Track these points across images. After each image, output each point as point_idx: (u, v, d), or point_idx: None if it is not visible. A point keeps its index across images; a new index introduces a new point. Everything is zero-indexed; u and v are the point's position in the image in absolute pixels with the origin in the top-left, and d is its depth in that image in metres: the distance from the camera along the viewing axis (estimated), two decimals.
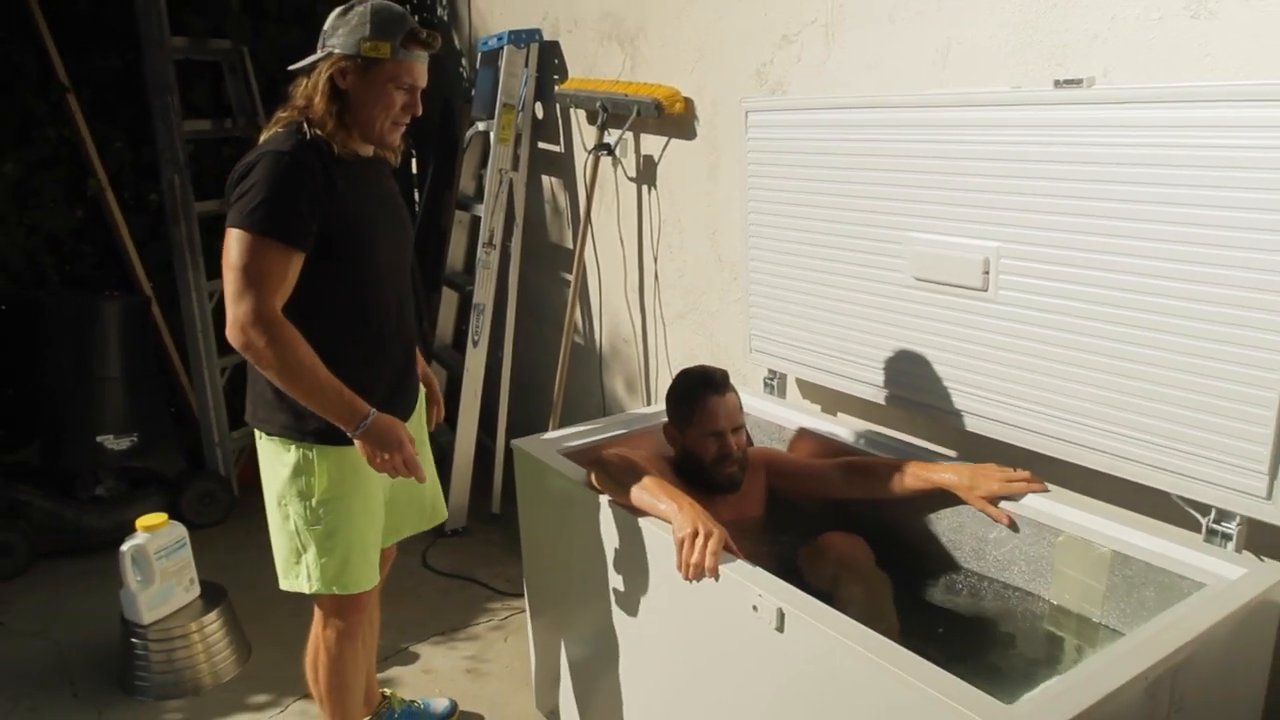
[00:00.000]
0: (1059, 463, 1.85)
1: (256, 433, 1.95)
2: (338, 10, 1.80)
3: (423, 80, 1.85)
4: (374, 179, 1.91)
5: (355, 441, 1.80)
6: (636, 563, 1.84)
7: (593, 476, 1.95)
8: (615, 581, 1.94)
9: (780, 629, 1.48)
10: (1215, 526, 1.62)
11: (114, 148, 3.63)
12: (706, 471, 2.02)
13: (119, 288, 3.65)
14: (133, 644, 2.59)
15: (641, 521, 1.80)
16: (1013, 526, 1.82)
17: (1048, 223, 1.74)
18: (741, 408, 2.09)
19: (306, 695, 2.58)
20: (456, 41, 4.05)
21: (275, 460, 1.92)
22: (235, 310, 1.70)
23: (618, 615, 1.96)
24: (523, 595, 3.02)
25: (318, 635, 2.08)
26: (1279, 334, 1.47)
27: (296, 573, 1.96)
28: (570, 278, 3.57)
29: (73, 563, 3.33)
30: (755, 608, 1.52)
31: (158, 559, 2.57)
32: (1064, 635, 1.76)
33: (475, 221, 3.69)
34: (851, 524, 2.00)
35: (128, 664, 2.61)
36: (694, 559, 1.61)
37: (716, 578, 1.60)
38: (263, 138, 1.83)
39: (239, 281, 1.69)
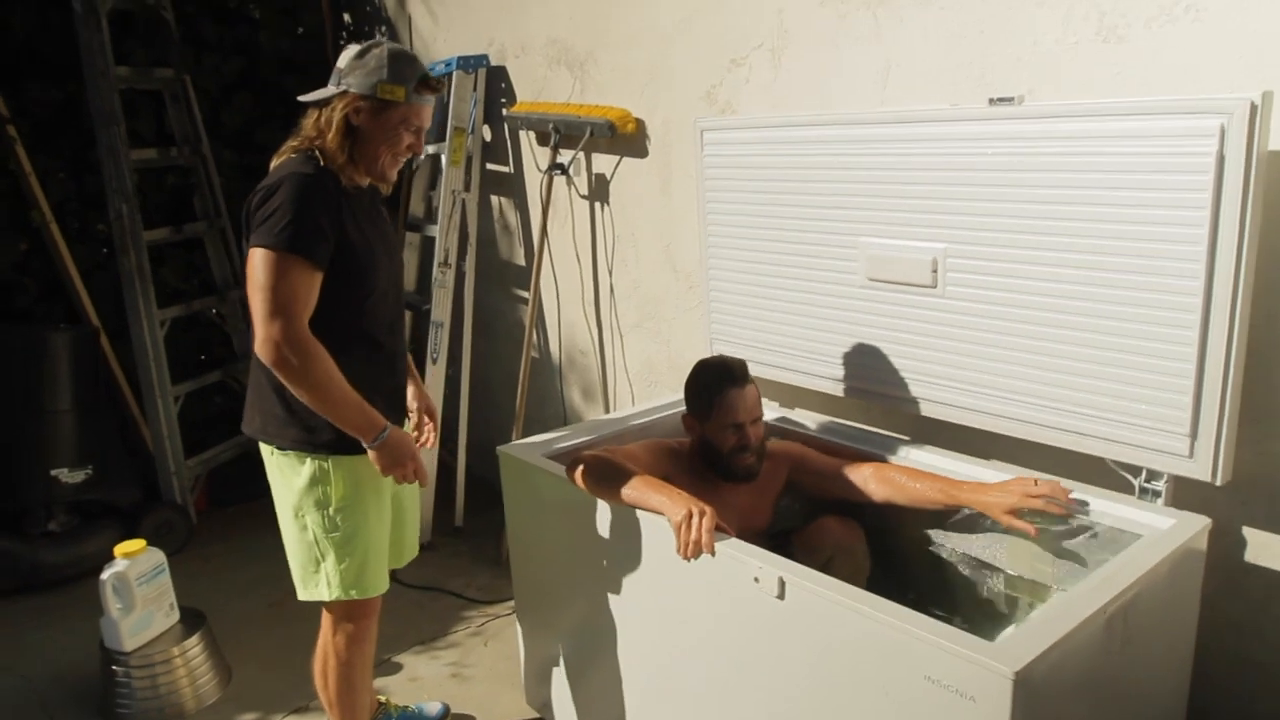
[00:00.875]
0: (1006, 439, 2.06)
1: (266, 448, 2.02)
2: (355, 50, 1.89)
3: (428, 122, 1.96)
4: (370, 207, 2.02)
5: (369, 452, 1.89)
6: (630, 552, 1.98)
7: (577, 478, 2.03)
8: (609, 572, 2.07)
9: (781, 596, 1.64)
10: (1146, 486, 1.85)
11: (56, 179, 3.61)
12: (724, 461, 2.09)
13: (64, 320, 3.62)
14: (114, 671, 2.60)
15: (636, 516, 1.93)
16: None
17: (988, 224, 1.95)
18: (760, 399, 2.13)
19: (296, 710, 2.64)
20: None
21: (290, 473, 1.99)
22: (268, 329, 1.77)
23: (612, 605, 2.09)
24: (496, 601, 3.16)
25: (326, 641, 2.15)
26: (1193, 314, 1.70)
27: (316, 581, 2.04)
28: (523, 294, 3.69)
29: (29, 600, 3.28)
30: (757, 579, 1.67)
31: (138, 585, 2.59)
32: (1021, 596, 1.96)
33: (427, 242, 3.78)
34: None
35: (109, 692, 2.62)
36: (693, 537, 1.75)
37: (713, 553, 1.74)
38: (273, 164, 1.92)
39: (270, 301, 1.77)
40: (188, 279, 3.91)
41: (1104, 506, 1.84)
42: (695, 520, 1.77)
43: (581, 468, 2.02)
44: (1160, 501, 1.83)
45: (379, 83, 1.84)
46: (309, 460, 1.95)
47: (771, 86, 2.57)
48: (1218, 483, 1.74)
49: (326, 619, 2.14)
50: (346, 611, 2.09)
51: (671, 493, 1.85)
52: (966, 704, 1.37)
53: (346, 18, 4.33)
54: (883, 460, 2.19)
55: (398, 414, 2.11)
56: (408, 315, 3.91)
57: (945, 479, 2.01)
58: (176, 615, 2.72)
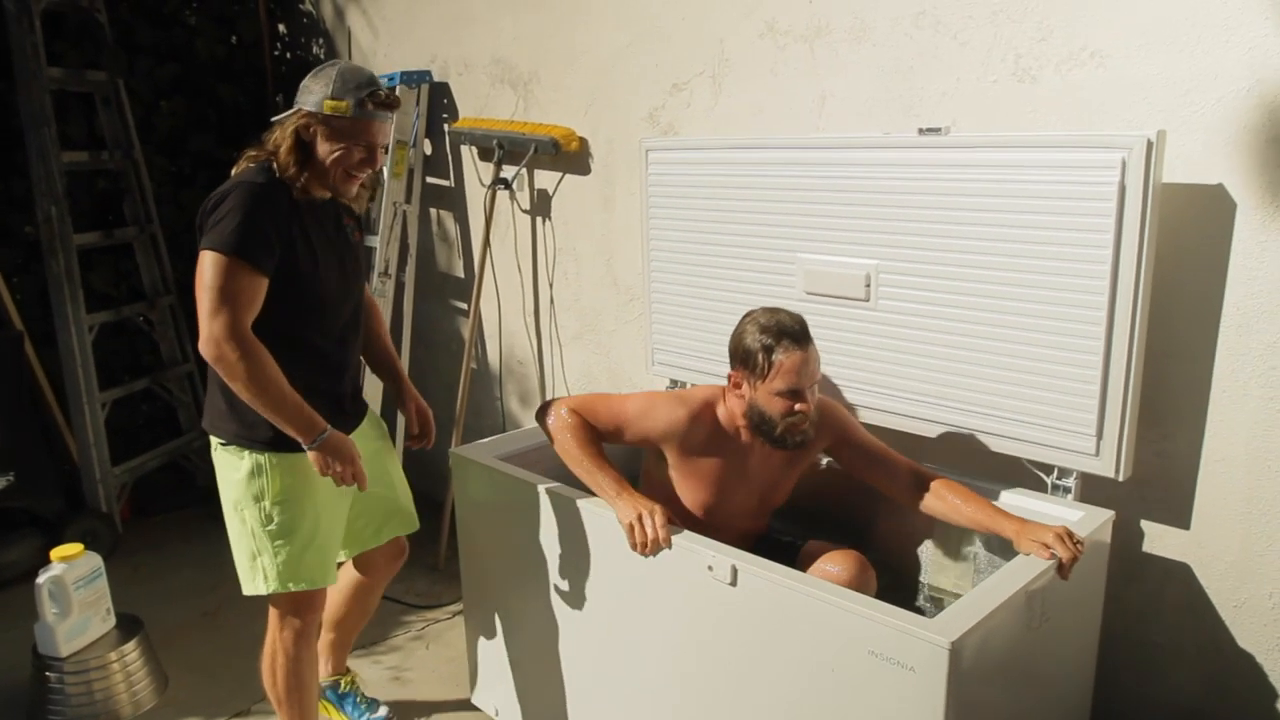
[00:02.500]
0: (933, 441, 2.23)
1: (212, 441, 2.07)
2: (313, 71, 1.97)
3: (382, 138, 2.00)
4: (327, 221, 2.08)
5: (309, 453, 1.96)
6: (582, 548, 2.07)
7: (548, 425, 2.03)
8: (561, 568, 2.16)
9: (734, 583, 1.76)
10: (1058, 483, 2.04)
11: None
12: (777, 429, 1.95)
13: None
14: (47, 678, 2.55)
15: (584, 508, 2.04)
16: (1060, 573, 1.73)
17: (917, 243, 2.12)
18: (820, 362, 1.98)
19: (236, 714, 2.63)
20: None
21: (230, 467, 2.05)
22: (210, 326, 1.84)
23: (564, 600, 2.17)
24: (436, 606, 3.20)
25: (274, 638, 2.18)
26: (1098, 326, 1.89)
27: (254, 574, 2.07)
28: (461, 305, 3.76)
29: None
30: (711, 567, 1.79)
31: (75, 589, 2.55)
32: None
33: (366, 252, 3.80)
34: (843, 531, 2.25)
35: (39, 700, 2.56)
36: (649, 536, 1.86)
37: (670, 547, 1.85)
38: (234, 172, 1.97)
39: (214, 300, 1.84)
40: (116, 285, 3.85)
41: (1021, 502, 2.03)
42: (647, 520, 1.87)
43: (556, 419, 2.01)
44: (1070, 497, 2.01)
45: (325, 98, 1.91)
46: (247, 455, 2.01)
47: (712, 111, 2.71)
48: (1120, 478, 1.93)
49: (273, 615, 2.17)
50: (291, 606, 2.13)
51: (621, 491, 1.93)
52: (906, 674, 1.52)
53: (282, 28, 4.34)
54: (922, 468, 2.07)
55: (345, 420, 2.15)
56: None
57: (993, 508, 1.90)
58: (113, 621, 2.69)
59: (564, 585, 2.17)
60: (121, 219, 3.83)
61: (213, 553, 3.61)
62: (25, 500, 3.38)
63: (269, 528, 2.05)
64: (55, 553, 2.58)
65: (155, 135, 3.94)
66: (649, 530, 1.86)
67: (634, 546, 1.89)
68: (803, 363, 1.92)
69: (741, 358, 1.97)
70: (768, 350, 1.92)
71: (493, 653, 2.47)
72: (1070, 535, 1.74)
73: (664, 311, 2.75)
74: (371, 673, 2.83)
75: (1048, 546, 1.72)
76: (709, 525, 2.04)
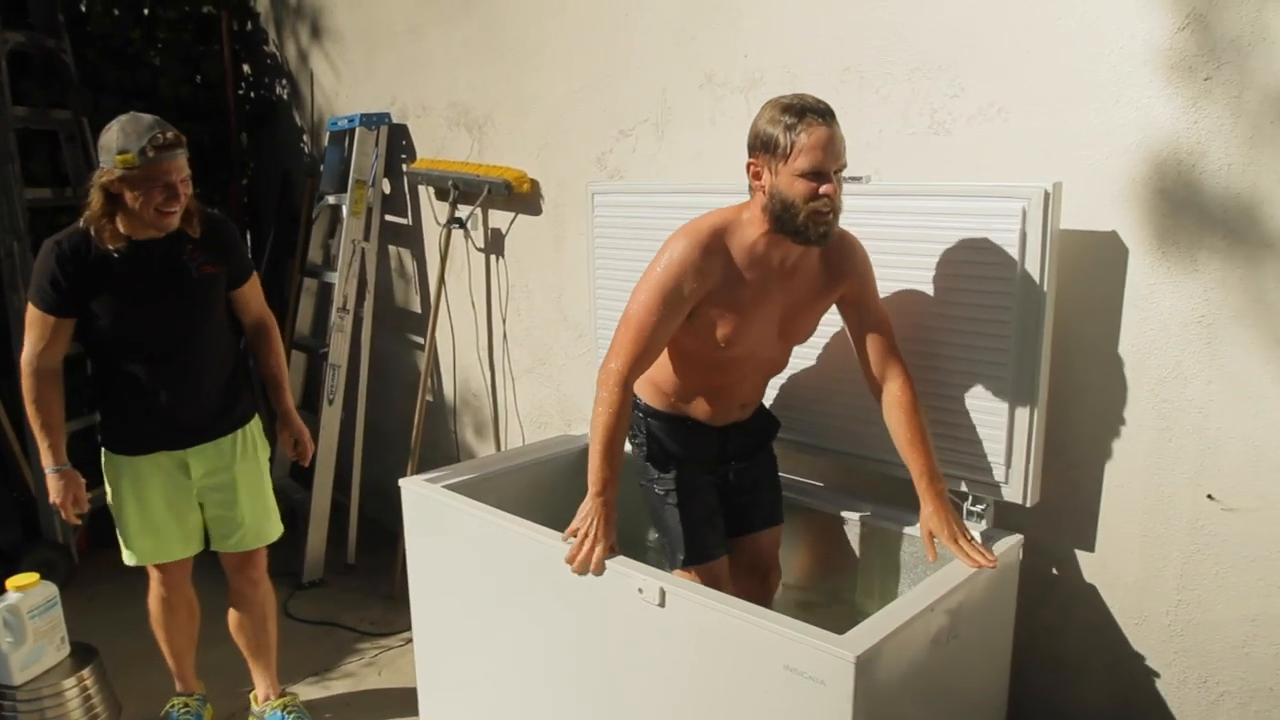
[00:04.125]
0: (862, 470, 2.35)
1: None
2: (104, 129, 2.20)
3: (177, 174, 2.21)
4: (154, 258, 2.31)
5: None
6: (526, 575, 2.17)
7: (605, 380, 1.97)
8: (501, 594, 2.25)
9: (662, 604, 1.86)
10: (972, 509, 2.16)
11: None
12: (799, 217, 1.83)
13: None
14: (0, 706, 2.59)
15: (524, 537, 2.14)
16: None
17: None
18: (845, 148, 1.86)
19: None
20: (298, 119, 4.28)
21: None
22: (21, 357, 2.31)
23: (509, 625, 2.26)
24: (390, 634, 3.27)
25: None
26: (1005, 364, 2.03)
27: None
28: (418, 339, 3.86)
29: None
30: (640, 590, 1.89)
31: (30, 618, 2.60)
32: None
33: (325, 288, 3.90)
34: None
35: None
36: (580, 557, 1.95)
37: (600, 574, 1.95)
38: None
39: (26, 334, 2.30)
40: None
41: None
42: (588, 545, 1.95)
43: (598, 392, 1.98)
44: (984, 523, 2.14)
45: (114, 155, 2.15)
46: (103, 452, 2.50)
47: (656, 156, 2.85)
48: (1028, 505, 2.07)
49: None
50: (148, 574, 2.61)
51: (601, 497, 1.95)
52: (817, 687, 1.62)
53: (246, 68, 4.45)
54: (903, 374, 2.06)
55: (166, 436, 2.44)
56: (302, 357, 4.01)
57: (928, 464, 1.97)
58: (68, 649, 2.72)
59: (505, 609, 2.26)
60: None
61: None
62: None
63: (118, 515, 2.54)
64: (11, 582, 2.63)
65: None
66: (585, 554, 1.96)
67: (568, 558, 1.97)
68: (828, 139, 1.78)
69: (762, 142, 1.84)
70: (790, 127, 1.79)
71: (441, 679, 2.54)
72: (972, 543, 1.96)
73: (608, 346, 2.86)
74: (323, 699, 2.89)
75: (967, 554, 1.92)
76: (732, 358, 2.03)
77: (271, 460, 2.72)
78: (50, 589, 2.70)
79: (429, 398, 3.76)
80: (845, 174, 1.95)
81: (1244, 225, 1.87)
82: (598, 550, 1.96)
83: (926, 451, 2.00)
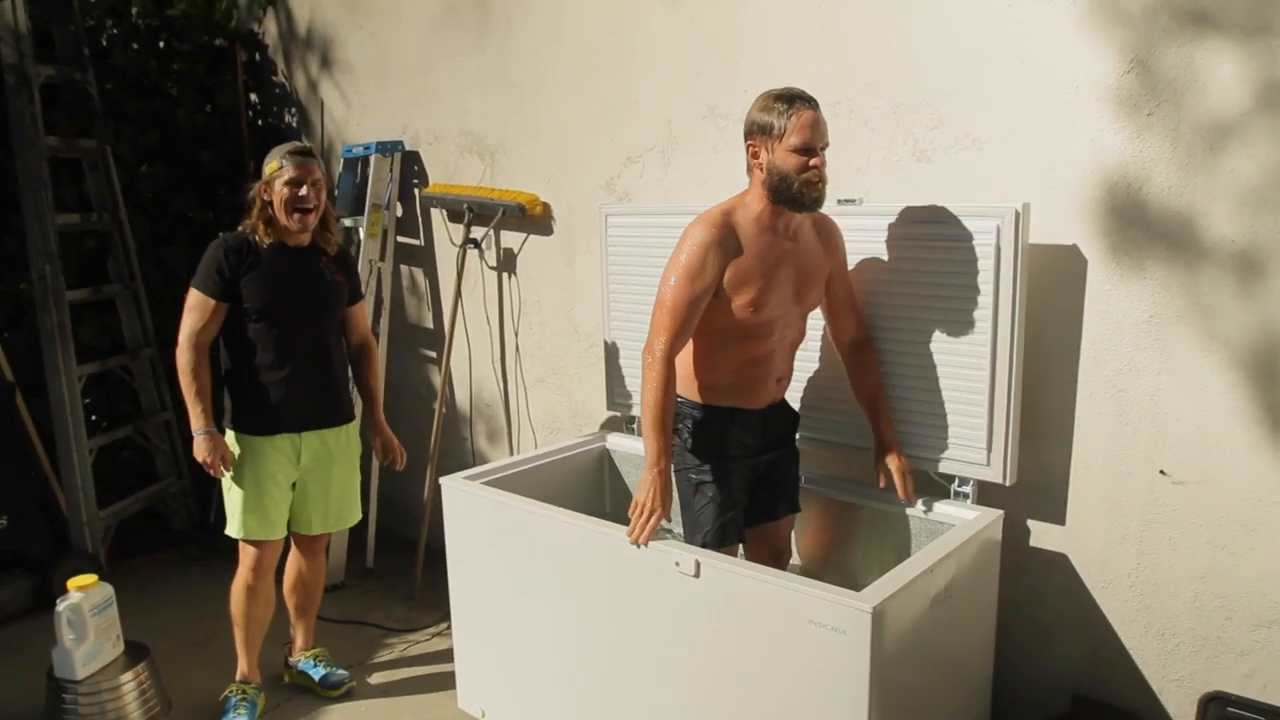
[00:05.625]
0: (857, 459, 2.64)
1: None
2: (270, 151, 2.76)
3: (308, 174, 2.69)
4: (297, 263, 2.77)
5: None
6: (561, 558, 2.42)
7: (650, 360, 2.20)
8: (542, 576, 2.50)
9: (697, 575, 2.13)
10: (958, 490, 2.46)
11: None
12: (795, 187, 2.16)
13: None
14: (63, 700, 2.77)
15: (561, 522, 2.40)
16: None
17: None
18: (828, 128, 2.20)
19: None
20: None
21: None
22: (180, 333, 2.69)
23: (544, 605, 2.51)
24: (415, 630, 3.49)
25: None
26: (985, 360, 2.33)
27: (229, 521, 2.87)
28: (431, 354, 4.09)
29: None
30: (678, 563, 2.15)
31: (91, 616, 2.79)
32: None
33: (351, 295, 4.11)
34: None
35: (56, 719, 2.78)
36: (641, 532, 2.18)
37: (645, 546, 2.21)
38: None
39: (184, 315, 2.70)
40: (101, 338, 4.08)
41: (928, 505, 2.45)
42: (645, 517, 2.18)
43: (646, 368, 2.21)
44: (969, 501, 2.44)
45: (266, 167, 2.72)
46: (231, 434, 2.81)
47: (662, 181, 3.14)
48: (1007, 484, 2.37)
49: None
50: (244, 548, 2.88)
51: (658, 466, 2.17)
52: (838, 636, 1.90)
53: (254, 97, 4.67)
54: (868, 344, 2.48)
55: (283, 418, 2.77)
56: None
57: (887, 417, 2.44)
58: (122, 646, 2.92)
59: (543, 591, 2.50)
60: (104, 276, 4.09)
61: (195, 589, 3.86)
62: (17, 543, 3.58)
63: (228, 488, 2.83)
64: (72, 583, 2.83)
65: (138, 197, 4.21)
66: (646, 527, 2.18)
67: (629, 532, 2.20)
68: (815, 120, 2.14)
69: (759, 127, 2.18)
70: (783, 112, 2.14)
71: (477, 658, 2.78)
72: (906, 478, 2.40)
73: (621, 357, 3.14)
74: (361, 685, 3.10)
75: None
76: (762, 324, 2.28)
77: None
78: (107, 589, 2.90)
79: (444, 409, 3.99)
80: (840, 197, 2.33)
81: (1183, 237, 2.20)
82: (652, 521, 2.19)
83: (885, 407, 2.47)
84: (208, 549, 4.17)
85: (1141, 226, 2.25)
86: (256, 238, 2.71)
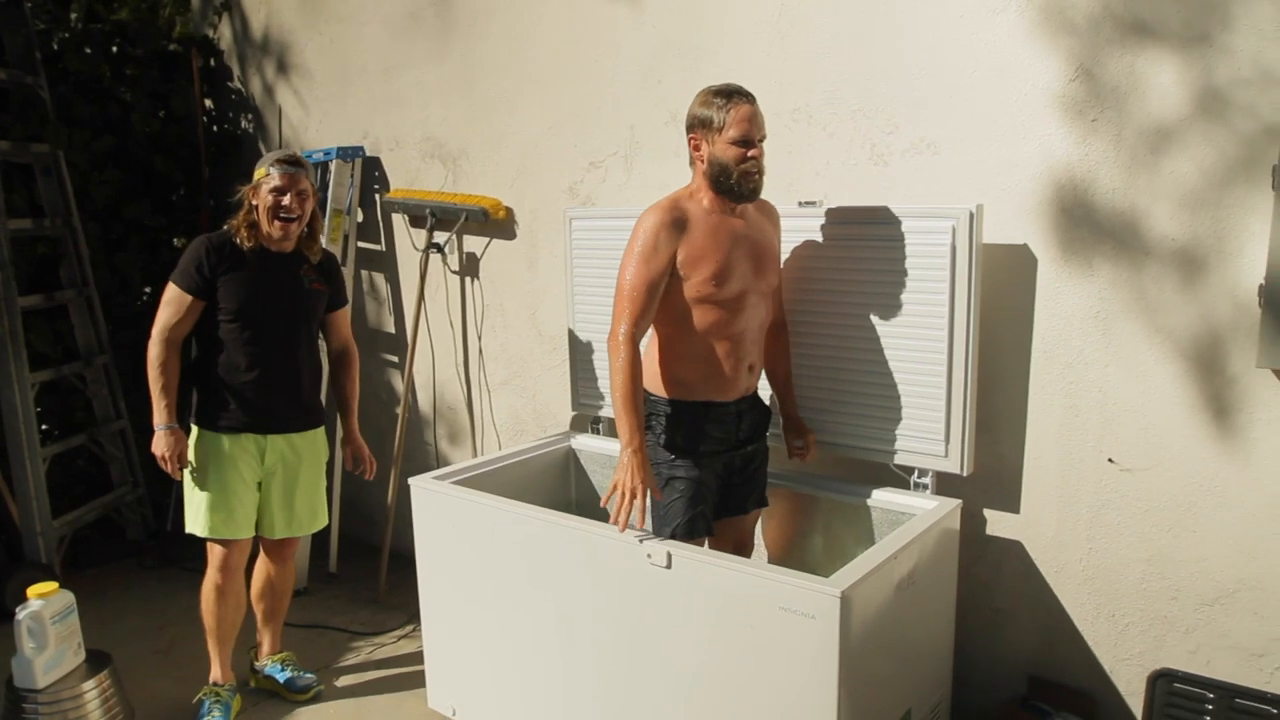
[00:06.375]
0: (822, 452, 2.71)
1: None
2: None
3: (294, 185, 2.72)
4: (278, 268, 2.79)
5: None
6: (532, 554, 2.45)
7: (614, 344, 2.25)
8: (513, 573, 2.53)
9: (669, 567, 2.18)
10: (918, 481, 2.55)
11: None
12: (734, 178, 2.26)
13: None
14: (24, 710, 2.71)
15: (534, 521, 2.43)
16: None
17: (801, 292, 2.63)
18: (764, 122, 2.31)
19: None
20: (264, 151, 4.47)
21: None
22: (153, 328, 2.70)
23: (515, 602, 2.54)
24: (381, 633, 3.48)
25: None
26: (941, 355, 2.42)
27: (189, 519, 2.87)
28: (392, 358, 4.09)
29: None
30: (649, 555, 2.20)
31: (52, 624, 2.75)
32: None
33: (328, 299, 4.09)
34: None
35: None
36: (624, 514, 2.19)
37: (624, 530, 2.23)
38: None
39: (159, 309, 2.71)
40: (54, 345, 4.01)
41: (889, 496, 2.53)
42: (628, 501, 2.18)
43: (612, 351, 2.26)
44: (928, 492, 2.53)
45: (255, 172, 2.75)
46: (195, 430, 2.82)
47: (625, 186, 3.19)
48: (964, 474, 2.46)
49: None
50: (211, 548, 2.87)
51: (634, 445, 2.20)
52: (809, 621, 1.96)
53: (209, 103, 4.63)
54: (785, 327, 2.61)
55: (248, 418, 2.78)
56: None
57: (792, 394, 2.63)
58: (84, 654, 2.87)
59: (516, 587, 2.53)
60: (55, 282, 4.02)
61: (152, 598, 3.81)
62: None
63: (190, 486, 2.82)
64: (33, 590, 2.78)
65: (91, 203, 4.15)
66: (626, 513, 2.19)
67: (614, 518, 2.20)
68: (752, 114, 2.26)
69: (701, 121, 2.30)
70: (721, 106, 2.26)
71: (447, 657, 2.79)
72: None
73: (584, 357, 3.18)
74: (328, 688, 3.09)
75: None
76: (729, 299, 2.32)
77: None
78: (68, 597, 2.85)
79: (407, 413, 4.00)
80: (800, 199, 2.44)
81: (1128, 236, 2.31)
82: (636, 504, 2.21)
83: (787, 387, 2.65)
84: (164, 558, 4.12)
85: (1088, 226, 2.37)
86: (239, 240, 2.73)
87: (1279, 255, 2.08)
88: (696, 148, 2.33)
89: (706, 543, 2.51)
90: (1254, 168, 2.13)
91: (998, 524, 2.60)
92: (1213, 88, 2.16)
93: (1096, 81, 2.31)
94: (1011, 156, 2.44)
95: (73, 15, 4.16)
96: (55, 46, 4.08)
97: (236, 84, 4.51)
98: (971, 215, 2.33)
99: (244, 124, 4.54)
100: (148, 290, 4.41)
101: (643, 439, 2.26)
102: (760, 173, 2.30)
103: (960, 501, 2.47)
